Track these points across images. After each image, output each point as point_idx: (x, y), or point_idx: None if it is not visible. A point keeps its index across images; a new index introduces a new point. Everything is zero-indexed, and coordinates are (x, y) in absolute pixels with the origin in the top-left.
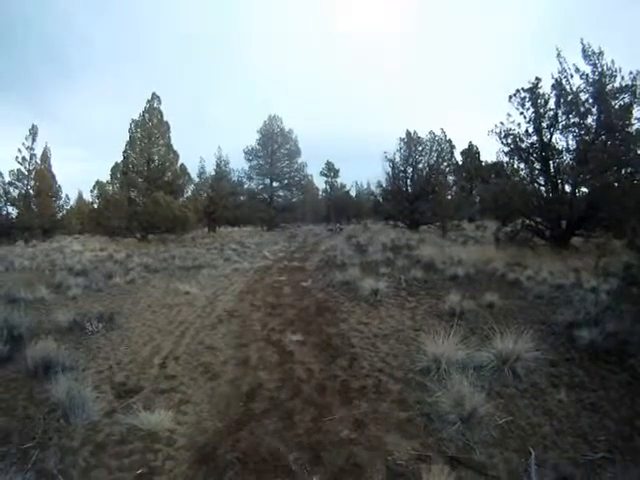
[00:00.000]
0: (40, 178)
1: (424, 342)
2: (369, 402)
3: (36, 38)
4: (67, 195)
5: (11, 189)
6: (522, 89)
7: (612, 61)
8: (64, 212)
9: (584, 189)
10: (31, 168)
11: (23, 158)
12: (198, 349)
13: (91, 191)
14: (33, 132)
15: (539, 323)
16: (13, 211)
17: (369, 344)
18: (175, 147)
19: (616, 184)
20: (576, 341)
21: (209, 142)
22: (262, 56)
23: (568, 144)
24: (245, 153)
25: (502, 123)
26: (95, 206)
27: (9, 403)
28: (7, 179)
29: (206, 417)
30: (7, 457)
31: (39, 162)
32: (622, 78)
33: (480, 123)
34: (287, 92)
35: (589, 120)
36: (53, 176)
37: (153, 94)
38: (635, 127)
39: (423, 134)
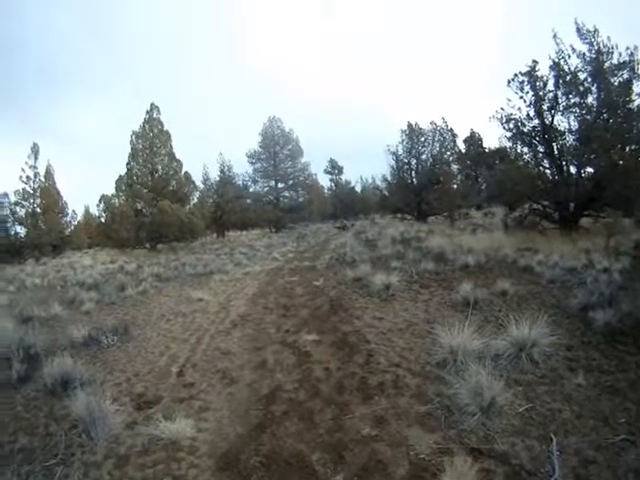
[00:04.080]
0: (46, 195)
1: (439, 334)
2: (388, 398)
3: (31, 55)
4: (74, 210)
5: (18, 209)
6: (520, 73)
7: (608, 38)
8: (72, 228)
9: (589, 169)
10: (36, 186)
11: (27, 177)
12: (214, 355)
13: (97, 205)
14: (35, 150)
15: (553, 307)
16: (21, 230)
17: (385, 339)
18: (178, 155)
19: (621, 162)
20: (591, 323)
21: (211, 149)
22: (261, 56)
23: (570, 125)
24: (248, 157)
25: (502, 109)
26: (102, 220)
27: (30, 422)
28: (13, 199)
29: (227, 423)
30: (31, 475)
31: (43, 180)
32: (619, 54)
33: (481, 110)
34: (287, 93)
35: (589, 99)
36: (58, 192)
37: (152, 104)
38: (636, 103)
39: (425, 125)
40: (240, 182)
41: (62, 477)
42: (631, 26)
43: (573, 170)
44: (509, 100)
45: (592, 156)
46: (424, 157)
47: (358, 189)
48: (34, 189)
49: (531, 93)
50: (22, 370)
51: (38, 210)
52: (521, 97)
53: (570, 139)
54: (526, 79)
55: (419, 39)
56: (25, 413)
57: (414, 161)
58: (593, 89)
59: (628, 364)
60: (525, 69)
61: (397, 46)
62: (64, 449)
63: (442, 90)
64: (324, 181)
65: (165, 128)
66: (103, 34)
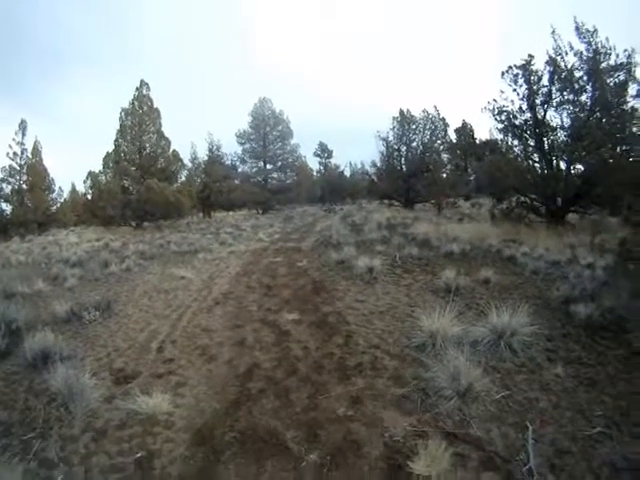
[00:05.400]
0: (32, 172)
1: (420, 318)
2: (365, 379)
3: (21, 33)
4: (60, 188)
5: (4, 185)
6: (515, 66)
7: (607, 39)
8: (58, 205)
9: (579, 166)
10: (22, 163)
11: (14, 153)
12: (195, 332)
13: (84, 182)
14: (22, 127)
15: (535, 298)
16: (7, 207)
17: (365, 321)
18: (166, 134)
19: (611, 161)
20: (572, 316)
21: (199, 128)
22: (255, 39)
23: (562, 121)
24: (237, 137)
25: (495, 100)
26: (89, 197)
27: (10, 396)
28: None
29: (203, 399)
30: (9, 448)
31: (30, 157)
32: (617, 56)
33: (473, 102)
34: (279, 76)
35: (583, 97)
36: (45, 170)
37: (142, 81)
38: (630, 105)
39: (416, 113)
40: (229, 162)
41: (39, 450)
42: (633, 31)
43: (563, 166)
44: (502, 92)
45: (582, 153)
46: (414, 145)
47: (347, 174)
48: (21, 166)
49: (525, 86)
50: (3, 344)
51: (24, 187)
52: (514, 90)
53: (561, 135)
54: (520, 72)
55: (416, 28)
56: (4, 388)
57: (404, 148)
58: (588, 88)
59: (607, 358)
60: (520, 62)
61: (393, 35)
62: (42, 423)
63: (435, 80)
64: (313, 164)
65: (155, 106)
66: (103, 15)
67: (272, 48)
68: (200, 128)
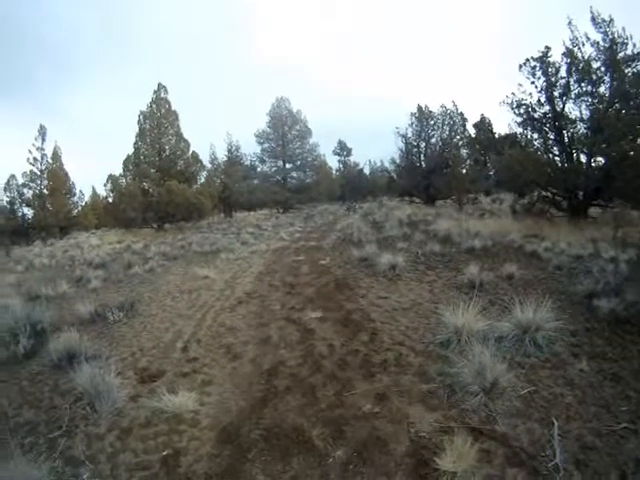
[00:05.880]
0: (53, 177)
1: (444, 314)
2: (391, 375)
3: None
4: (81, 191)
5: (25, 190)
6: (532, 58)
7: (623, 29)
8: (79, 208)
9: (600, 159)
10: (43, 168)
11: (34, 159)
12: (219, 331)
13: (104, 185)
14: (42, 132)
15: (558, 293)
16: (29, 212)
17: (389, 318)
18: (185, 135)
19: (632, 153)
20: (596, 311)
21: (218, 129)
22: (271, 40)
23: (582, 113)
24: (256, 137)
25: (513, 93)
26: (110, 200)
27: (35, 396)
28: (20, 181)
29: (229, 397)
30: (35, 447)
31: (50, 161)
32: (634, 45)
33: (491, 97)
34: (296, 76)
35: (602, 89)
36: (66, 174)
37: (159, 84)
38: None
39: (435, 109)
40: (248, 162)
41: (65, 449)
42: None
43: (583, 159)
44: (520, 85)
45: (603, 145)
46: (433, 140)
47: (366, 171)
48: (41, 171)
49: (543, 79)
50: (28, 345)
51: (45, 192)
52: (532, 82)
53: (581, 128)
54: (538, 64)
55: (434, 22)
56: (30, 388)
57: (423, 144)
58: (606, 78)
59: (632, 353)
60: (537, 55)
61: (411, 30)
62: (68, 422)
63: (454, 74)
64: (332, 162)
65: (173, 108)
66: (116, 19)
67: (286, 47)
68: (219, 130)
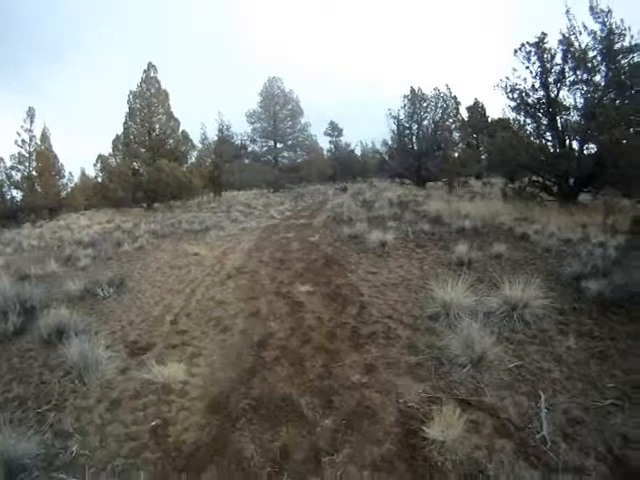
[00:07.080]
0: (42, 159)
1: (433, 289)
2: (379, 347)
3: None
4: (70, 172)
5: (14, 172)
6: (527, 43)
7: (621, 20)
8: (69, 190)
9: (592, 146)
10: (32, 150)
11: (23, 141)
12: (209, 305)
13: (94, 165)
14: (30, 114)
15: (547, 274)
16: (18, 194)
17: (378, 292)
18: (175, 114)
19: (624, 141)
20: (584, 292)
21: (209, 109)
22: (263, 18)
23: (576, 101)
24: (247, 116)
25: (508, 78)
26: (99, 180)
27: (25, 372)
28: (9, 163)
29: (218, 368)
30: (24, 421)
31: (39, 143)
32: (632, 37)
33: (485, 81)
34: (287, 55)
35: (597, 77)
36: (54, 155)
37: (149, 63)
38: None
39: (428, 91)
40: (239, 142)
41: (55, 422)
42: None
43: (575, 145)
44: (514, 70)
45: (595, 132)
46: (426, 123)
47: (358, 152)
48: (30, 152)
49: (538, 64)
50: (18, 322)
51: (34, 173)
52: (527, 67)
53: (575, 115)
54: (533, 50)
55: (429, 4)
56: (20, 364)
57: (415, 126)
58: (602, 68)
59: (619, 333)
60: (533, 40)
61: (405, 12)
62: (57, 396)
63: (447, 58)
64: (324, 143)
65: (163, 87)
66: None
67: (278, 28)
68: (211, 111)
